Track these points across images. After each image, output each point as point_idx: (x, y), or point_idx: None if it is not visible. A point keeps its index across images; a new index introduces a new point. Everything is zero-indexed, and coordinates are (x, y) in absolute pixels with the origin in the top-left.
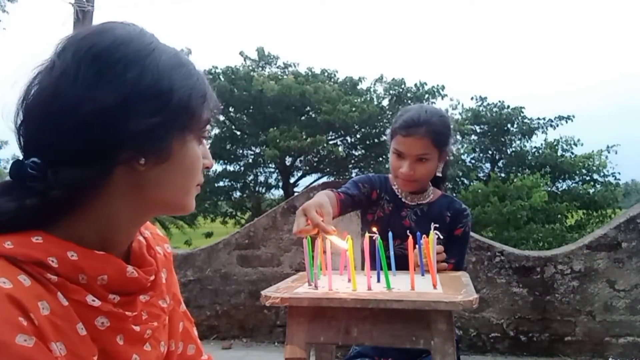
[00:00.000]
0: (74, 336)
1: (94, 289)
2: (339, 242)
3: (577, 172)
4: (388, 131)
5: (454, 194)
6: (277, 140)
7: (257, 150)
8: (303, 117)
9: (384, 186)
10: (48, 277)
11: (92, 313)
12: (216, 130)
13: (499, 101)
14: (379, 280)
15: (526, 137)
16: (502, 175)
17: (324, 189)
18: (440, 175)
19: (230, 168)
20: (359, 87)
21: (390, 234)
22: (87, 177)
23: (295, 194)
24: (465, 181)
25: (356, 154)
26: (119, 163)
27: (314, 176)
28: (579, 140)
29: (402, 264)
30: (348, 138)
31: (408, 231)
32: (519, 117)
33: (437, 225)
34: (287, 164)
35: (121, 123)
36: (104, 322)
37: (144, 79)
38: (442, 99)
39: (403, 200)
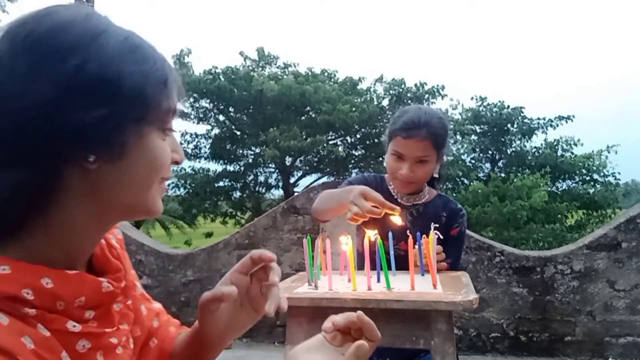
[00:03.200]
0: None
1: (72, 313)
2: (398, 220)
3: (577, 172)
4: (385, 132)
5: (454, 194)
6: (277, 140)
7: (257, 150)
8: (303, 117)
9: (379, 186)
10: (25, 312)
11: (73, 338)
12: (216, 130)
13: (499, 101)
14: (379, 280)
15: (526, 137)
16: (502, 175)
17: (324, 189)
18: (437, 175)
19: (230, 168)
20: (359, 87)
21: (390, 234)
22: (30, 180)
23: (295, 194)
24: (465, 181)
25: (356, 154)
26: (64, 162)
27: (314, 176)
28: (579, 140)
29: (399, 265)
30: (348, 138)
31: (408, 231)
32: (519, 117)
33: (437, 225)
34: (287, 164)
35: (60, 118)
36: (85, 345)
37: (86, 68)
38: (442, 99)
39: (399, 200)
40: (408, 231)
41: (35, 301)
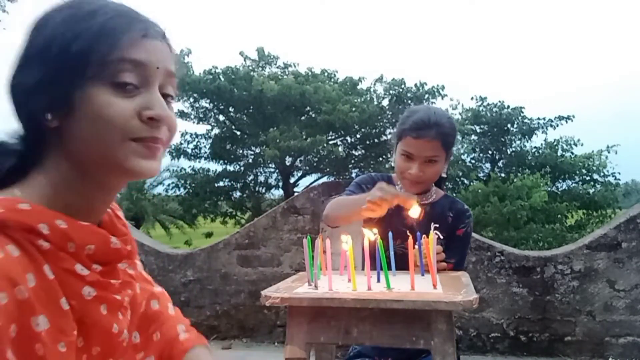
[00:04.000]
0: (58, 310)
1: (81, 259)
2: (417, 211)
3: (577, 172)
4: (391, 132)
5: (454, 194)
6: (277, 140)
7: (257, 150)
8: (303, 117)
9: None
10: (39, 244)
11: (79, 283)
12: (216, 130)
13: (499, 101)
14: (379, 280)
15: (526, 137)
16: (502, 175)
17: (324, 189)
18: (445, 176)
19: (230, 168)
20: (359, 87)
21: (390, 234)
22: (23, 135)
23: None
24: (465, 181)
25: (356, 154)
26: (34, 121)
27: (314, 176)
28: (579, 140)
29: (403, 263)
30: (348, 138)
31: (409, 231)
32: (519, 117)
33: (437, 225)
34: (287, 164)
35: (21, 83)
36: (90, 292)
37: (36, 40)
38: (442, 99)
39: None
40: (408, 231)
41: (50, 237)
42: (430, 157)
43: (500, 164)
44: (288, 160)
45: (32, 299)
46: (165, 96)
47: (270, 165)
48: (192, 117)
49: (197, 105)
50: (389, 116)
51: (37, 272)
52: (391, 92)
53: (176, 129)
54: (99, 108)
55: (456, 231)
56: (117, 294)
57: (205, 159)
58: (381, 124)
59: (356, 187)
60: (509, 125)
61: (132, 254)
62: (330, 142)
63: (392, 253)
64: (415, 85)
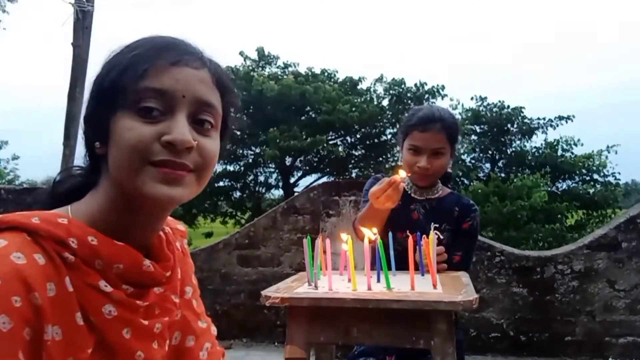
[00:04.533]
0: (72, 324)
1: (109, 277)
2: (402, 174)
3: (577, 172)
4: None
5: None
6: (277, 140)
7: (257, 150)
8: (303, 117)
9: None
10: (65, 256)
11: (101, 299)
12: None
13: (499, 101)
14: (379, 280)
15: (526, 137)
16: (502, 175)
17: (324, 189)
18: (450, 171)
19: (230, 168)
20: (359, 87)
21: (390, 234)
22: (88, 161)
23: (295, 194)
24: (465, 181)
25: (356, 154)
26: (89, 148)
27: (314, 176)
28: (579, 140)
29: (403, 263)
30: (348, 138)
31: (413, 225)
32: (519, 117)
33: (437, 225)
34: (287, 164)
35: (84, 116)
36: (112, 311)
37: (96, 75)
38: (442, 99)
39: (412, 195)
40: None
41: (78, 250)
42: (437, 149)
43: (500, 164)
44: (288, 160)
45: (47, 308)
46: (201, 122)
47: (270, 165)
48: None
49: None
50: (389, 116)
51: (59, 283)
52: (391, 92)
53: (211, 156)
54: (122, 132)
55: (462, 225)
56: (146, 319)
57: None
58: (381, 124)
59: (367, 193)
60: (509, 125)
61: (171, 281)
62: (330, 142)
63: (392, 253)
64: (415, 85)
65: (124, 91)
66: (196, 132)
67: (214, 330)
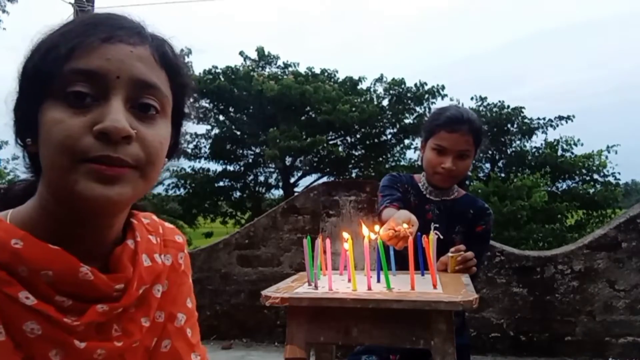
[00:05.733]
0: None
1: (36, 286)
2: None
3: (577, 172)
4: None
5: None
6: (277, 140)
7: (257, 150)
8: (303, 117)
9: (409, 182)
10: None
11: (22, 314)
12: (216, 130)
13: (499, 101)
14: (379, 280)
15: (526, 137)
16: (502, 175)
17: (324, 189)
18: (470, 174)
19: (230, 168)
20: (359, 87)
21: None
22: (26, 160)
23: (295, 194)
24: (466, 181)
25: (356, 154)
26: (22, 147)
27: (314, 176)
28: (579, 140)
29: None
30: (348, 138)
31: (432, 224)
32: (519, 117)
33: (437, 226)
34: (287, 164)
35: (13, 107)
36: (34, 329)
37: (22, 61)
38: (442, 99)
39: (427, 196)
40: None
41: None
42: (463, 151)
43: (500, 164)
44: (288, 160)
45: None
46: (145, 108)
47: (270, 165)
48: (192, 117)
49: (197, 105)
50: (389, 116)
51: None
52: (391, 92)
53: (155, 147)
54: (49, 126)
55: (476, 228)
56: (83, 341)
57: (205, 159)
58: (381, 124)
59: (389, 190)
60: (509, 125)
61: (130, 297)
62: (330, 142)
63: (392, 253)
64: (415, 85)
65: (49, 76)
66: (137, 119)
67: None
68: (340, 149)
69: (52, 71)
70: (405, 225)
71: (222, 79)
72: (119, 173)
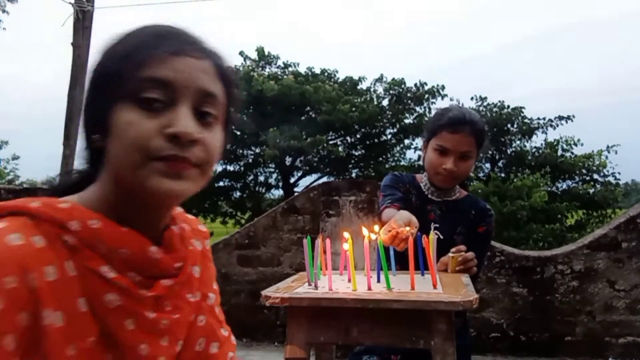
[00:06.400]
0: (74, 310)
1: (113, 262)
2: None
3: (577, 172)
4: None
5: None
6: (277, 140)
7: (257, 150)
8: (303, 117)
9: (411, 182)
10: (65, 240)
11: (103, 286)
12: None
13: (499, 101)
14: (379, 280)
15: (526, 137)
16: (502, 175)
17: (324, 189)
18: (472, 174)
19: (230, 168)
20: (359, 87)
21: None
22: (88, 153)
23: (295, 194)
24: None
25: (356, 154)
26: (87, 141)
27: (314, 176)
28: (579, 140)
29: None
30: (348, 138)
31: (432, 224)
32: (519, 117)
33: (437, 226)
34: (287, 164)
35: (84, 105)
36: (114, 300)
37: (95, 63)
38: (442, 99)
39: (429, 196)
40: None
41: (79, 234)
42: (465, 152)
43: (500, 163)
44: (288, 160)
45: (45, 291)
46: (204, 115)
47: (270, 165)
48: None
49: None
50: (389, 116)
51: (60, 267)
52: (391, 92)
53: (214, 150)
54: (123, 126)
55: (477, 229)
56: (153, 312)
57: None
58: (381, 124)
59: (391, 189)
60: (509, 125)
61: (184, 276)
62: (330, 142)
63: (392, 253)
64: (415, 85)
65: (123, 80)
66: (199, 124)
67: (233, 339)
68: (340, 149)
69: (125, 77)
70: (406, 228)
71: None
72: (184, 170)
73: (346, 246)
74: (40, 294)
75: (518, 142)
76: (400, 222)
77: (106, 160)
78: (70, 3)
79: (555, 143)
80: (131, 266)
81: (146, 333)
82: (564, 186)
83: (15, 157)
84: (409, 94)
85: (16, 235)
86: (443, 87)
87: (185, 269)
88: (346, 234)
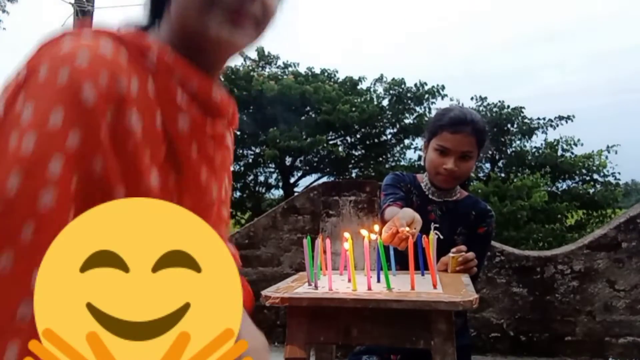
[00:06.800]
0: (151, 124)
1: (184, 92)
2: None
3: (577, 172)
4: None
5: None
6: (277, 140)
7: (257, 150)
8: (303, 117)
9: (412, 182)
10: (147, 60)
11: (176, 111)
12: None
13: (499, 101)
14: (379, 280)
15: (526, 137)
16: (502, 175)
17: (324, 189)
18: (472, 175)
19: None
20: (359, 87)
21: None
22: (149, 5)
23: (295, 194)
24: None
25: (356, 154)
26: None
27: (314, 176)
28: (579, 140)
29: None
30: (348, 138)
31: (432, 224)
32: (519, 117)
33: (437, 226)
34: (287, 164)
35: None
36: (184, 124)
37: None
38: (442, 99)
39: (430, 196)
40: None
41: (158, 59)
42: (466, 152)
43: (500, 164)
44: (288, 160)
45: (131, 98)
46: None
47: (270, 165)
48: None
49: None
50: (389, 116)
51: (142, 81)
52: (391, 92)
53: (273, 10)
54: None
55: (477, 229)
56: (212, 146)
57: None
58: (381, 124)
59: (392, 188)
60: (509, 125)
61: (232, 118)
62: (330, 142)
63: (392, 253)
64: (415, 85)
65: None
66: None
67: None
68: (340, 149)
69: None
70: (407, 228)
71: (222, 79)
72: (245, 21)
73: (346, 246)
74: (126, 95)
75: (518, 142)
76: (403, 220)
77: (168, 9)
78: (70, 3)
79: (555, 143)
80: (197, 100)
81: (205, 162)
82: (564, 186)
83: None
84: (409, 94)
85: (106, 44)
86: (443, 87)
87: (235, 117)
88: (346, 234)
